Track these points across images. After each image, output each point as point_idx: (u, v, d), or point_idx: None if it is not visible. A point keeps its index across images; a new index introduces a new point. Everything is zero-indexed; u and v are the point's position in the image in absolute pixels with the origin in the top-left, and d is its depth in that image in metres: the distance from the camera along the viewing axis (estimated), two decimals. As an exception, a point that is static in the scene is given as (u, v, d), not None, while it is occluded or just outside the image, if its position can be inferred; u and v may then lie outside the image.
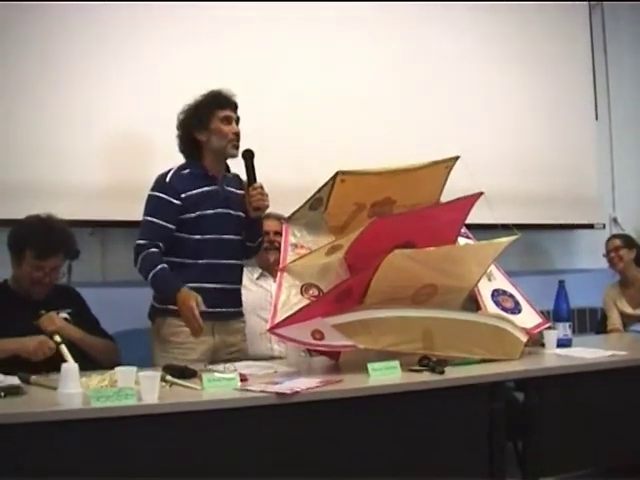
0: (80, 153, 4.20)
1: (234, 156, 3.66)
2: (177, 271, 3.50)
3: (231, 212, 3.66)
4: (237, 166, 3.73)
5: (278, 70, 4.70)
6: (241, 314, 3.78)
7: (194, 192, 3.56)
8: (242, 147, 3.65)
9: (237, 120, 3.68)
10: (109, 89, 4.25)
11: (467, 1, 5.31)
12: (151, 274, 3.43)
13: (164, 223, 3.51)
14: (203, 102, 3.65)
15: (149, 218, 3.53)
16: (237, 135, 3.63)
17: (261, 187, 3.63)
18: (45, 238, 3.38)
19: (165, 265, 3.45)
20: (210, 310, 3.41)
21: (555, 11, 5.72)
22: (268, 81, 4.62)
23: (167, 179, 3.56)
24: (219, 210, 3.62)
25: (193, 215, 3.55)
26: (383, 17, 5.05)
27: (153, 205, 3.55)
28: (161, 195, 3.54)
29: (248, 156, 3.65)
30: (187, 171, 3.61)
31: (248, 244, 3.77)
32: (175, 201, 3.52)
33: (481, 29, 5.42)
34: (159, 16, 4.40)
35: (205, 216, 3.57)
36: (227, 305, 3.63)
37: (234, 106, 3.67)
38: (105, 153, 4.27)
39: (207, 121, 3.61)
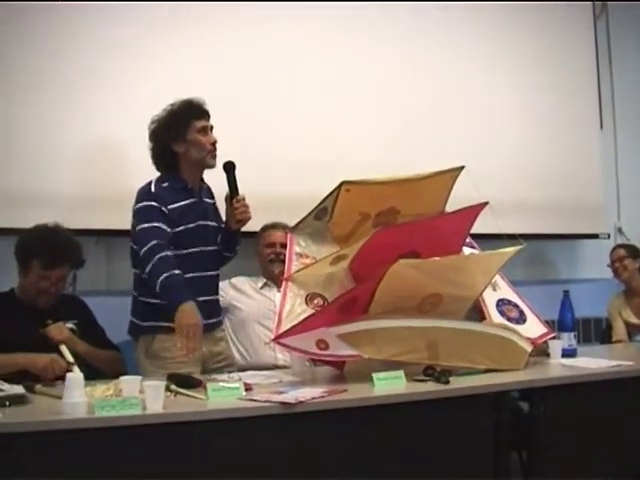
0: (85, 162, 4.21)
1: (212, 166, 3.60)
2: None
3: (209, 223, 3.63)
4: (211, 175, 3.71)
5: (280, 79, 4.70)
6: (221, 322, 3.78)
7: (176, 205, 3.51)
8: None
9: (211, 128, 3.63)
10: (117, 97, 4.26)
11: (469, 1, 5.32)
12: (165, 275, 3.30)
13: (165, 227, 3.44)
14: (178, 112, 3.59)
15: (148, 225, 3.44)
16: (214, 145, 3.58)
17: (243, 199, 3.58)
18: (52, 248, 3.38)
19: (180, 272, 3.37)
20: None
21: (560, 21, 5.73)
22: (269, 90, 4.62)
23: (152, 189, 3.50)
24: (200, 222, 3.58)
25: (177, 230, 3.49)
26: (384, 23, 5.05)
27: (147, 213, 3.47)
28: (152, 203, 3.47)
29: (230, 168, 3.59)
30: (167, 184, 3.54)
31: (225, 254, 3.73)
32: (165, 210, 3.47)
33: (485, 40, 5.42)
34: (143, 24, 4.38)
35: (188, 230, 3.52)
36: (211, 316, 3.58)
37: (208, 115, 3.62)
38: (111, 161, 4.28)
39: (184, 132, 3.55)
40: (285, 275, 3.37)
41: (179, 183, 3.57)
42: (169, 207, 3.48)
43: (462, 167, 3.53)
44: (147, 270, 3.36)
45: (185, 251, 3.51)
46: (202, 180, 3.69)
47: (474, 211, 3.39)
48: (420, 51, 5.20)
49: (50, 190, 4.11)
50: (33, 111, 4.11)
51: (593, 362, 3.53)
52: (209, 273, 3.61)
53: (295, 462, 2.70)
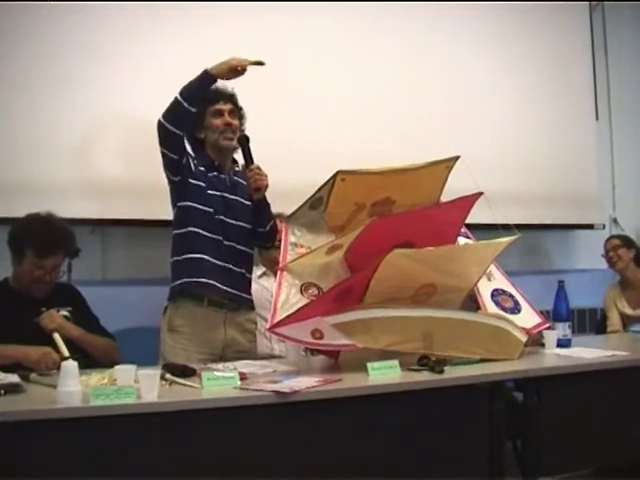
0: (81, 151, 4.20)
1: (228, 148, 3.68)
2: (200, 240, 3.55)
3: (238, 199, 3.69)
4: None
5: (278, 69, 4.68)
6: (251, 306, 3.78)
7: (202, 169, 3.62)
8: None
9: (236, 111, 3.71)
10: (109, 87, 4.25)
11: (468, 1, 5.32)
12: (177, 94, 3.45)
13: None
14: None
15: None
16: (229, 126, 3.65)
17: (258, 168, 3.63)
18: (45, 237, 3.38)
19: None
20: (221, 288, 3.52)
21: (556, 12, 5.73)
22: (268, 80, 4.59)
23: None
24: (226, 195, 3.65)
25: (202, 185, 3.58)
26: (384, 17, 5.06)
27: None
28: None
29: (243, 140, 3.67)
30: (197, 158, 3.65)
31: (259, 230, 3.76)
32: (191, 154, 3.60)
33: (482, 30, 5.42)
34: (155, 14, 4.41)
35: (212, 196, 3.60)
36: (238, 289, 3.64)
37: (226, 98, 3.69)
38: (105, 152, 4.28)
39: (202, 119, 3.65)
40: (280, 265, 3.37)
41: (207, 160, 3.68)
42: (196, 162, 3.61)
43: (457, 157, 3.53)
44: (163, 114, 3.48)
45: (218, 216, 3.59)
46: (235, 162, 3.78)
47: (469, 201, 3.39)
48: (418, 45, 5.21)
49: (45, 179, 4.11)
50: (27, 99, 4.11)
51: (588, 352, 3.53)
52: (234, 244, 3.64)
53: (290, 451, 2.70)
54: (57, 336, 3.20)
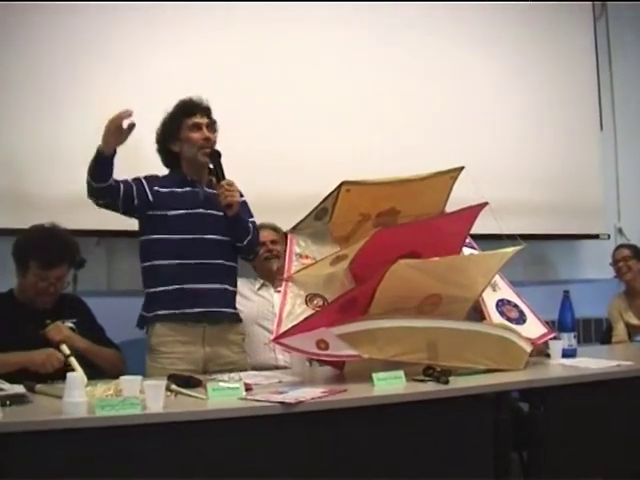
0: (86, 163, 4.20)
1: (206, 163, 3.66)
2: (162, 271, 3.55)
3: (214, 213, 3.64)
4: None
5: (280, 79, 4.71)
6: (235, 319, 3.74)
7: (166, 190, 3.60)
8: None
9: (212, 124, 3.68)
10: (116, 98, 4.23)
11: (471, 1, 5.33)
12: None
13: (130, 182, 3.57)
14: (172, 113, 3.69)
15: None
16: (207, 140, 3.62)
17: (228, 183, 3.59)
18: (49, 248, 3.38)
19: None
20: (196, 310, 3.50)
21: (560, 22, 5.74)
22: (269, 91, 4.63)
23: (145, 176, 3.63)
24: (200, 210, 3.62)
25: (170, 213, 3.56)
26: (386, 25, 5.07)
27: None
28: (137, 177, 3.61)
29: (215, 155, 3.63)
30: (164, 176, 3.67)
31: (237, 244, 3.71)
32: (146, 186, 3.58)
33: (485, 41, 5.43)
34: (156, 21, 4.42)
35: (184, 215, 3.58)
36: (214, 305, 3.60)
37: (204, 112, 3.67)
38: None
39: (177, 131, 3.64)
40: (285, 275, 3.38)
41: (179, 176, 3.66)
42: (154, 189, 3.58)
43: (462, 168, 3.53)
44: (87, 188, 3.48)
45: (183, 236, 3.56)
46: (210, 174, 3.72)
47: (474, 211, 3.40)
48: (420, 53, 5.20)
49: (50, 190, 4.11)
50: (32, 110, 4.11)
51: (593, 362, 3.53)
52: (211, 261, 3.60)
53: (295, 462, 2.70)
54: (65, 347, 3.21)
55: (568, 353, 3.68)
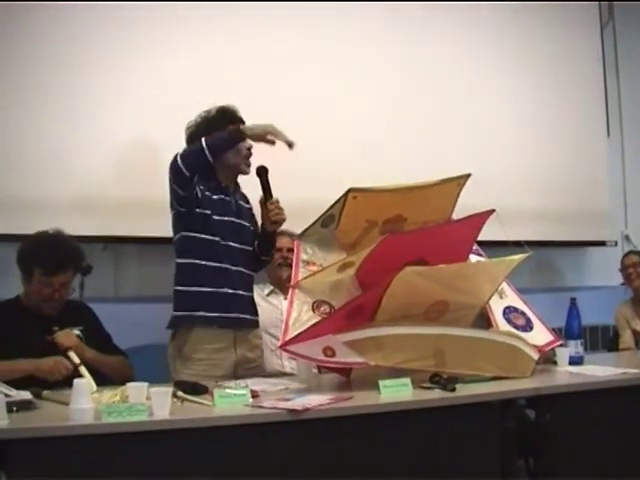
0: (93, 168, 4.22)
1: (246, 173, 3.72)
2: (202, 272, 3.56)
3: (243, 223, 3.72)
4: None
5: (288, 86, 4.72)
6: (257, 325, 3.79)
7: (207, 193, 3.61)
8: (254, 163, 3.68)
9: None
10: (124, 103, 4.27)
11: (476, 1, 5.34)
12: (202, 141, 3.44)
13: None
14: (214, 119, 3.70)
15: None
16: (250, 150, 3.68)
17: (277, 201, 3.67)
18: (53, 255, 3.38)
19: None
20: (230, 315, 3.54)
21: (566, 28, 5.74)
22: (275, 97, 4.63)
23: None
24: (232, 219, 3.67)
25: (208, 212, 3.58)
26: (397, 30, 5.08)
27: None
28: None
29: (263, 172, 3.69)
30: (201, 180, 3.63)
31: (262, 257, 3.81)
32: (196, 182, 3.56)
33: (493, 48, 5.43)
34: (167, 25, 4.43)
35: (219, 222, 3.61)
36: (245, 312, 3.67)
37: (243, 122, 3.71)
38: (118, 168, 4.29)
39: None
40: (292, 282, 3.38)
41: (213, 182, 3.67)
42: (201, 187, 3.58)
43: (469, 175, 3.53)
44: (181, 155, 3.47)
45: (217, 240, 3.59)
46: (237, 184, 3.79)
47: (481, 218, 3.39)
48: (428, 59, 5.20)
49: (57, 196, 4.12)
50: (39, 116, 4.12)
51: (600, 370, 3.52)
52: (239, 269, 3.66)
53: (302, 468, 2.70)
54: (73, 354, 3.22)
55: (575, 360, 3.67)
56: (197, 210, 3.57)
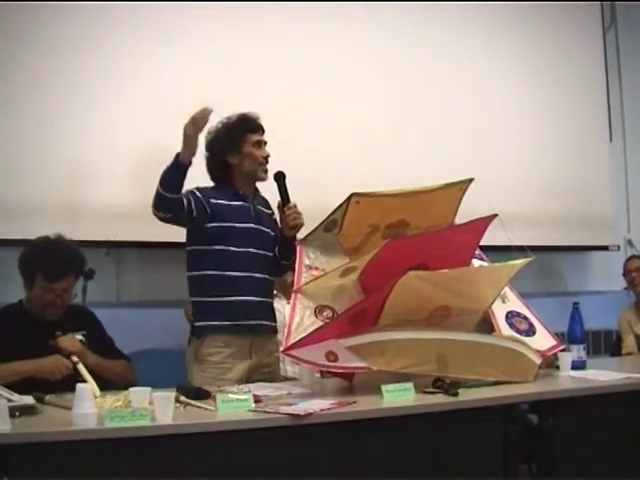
0: (96, 174, 4.23)
1: (263, 180, 3.74)
2: (215, 282, 3.58)
3: (262, 229, 3.73)
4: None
5: (289, 90, 4.72)
6: (275, 331, 3.80)
7: (223, 202, 3.62)
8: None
9: (265, 143, 3.76)
10: (128, 107, 4.28)
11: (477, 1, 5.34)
12: (158, 185, 3.43)
13: (191, 198, 3.53)
14: (235, 126, 3.72)
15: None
16: (267, 159, 3.71)
17: (295, 206, 3.69)
18: (54, 260, 3.38)
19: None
20: (249, 323, 3.55)
21: (569, 33, 5.75)
22: (280, 101, 4.64)
23: (196, 188, 3.60)
24: (251, 225, 3.69)
25: (225, 225, 3.60)
26: (401, 34, 5.09)
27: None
28: (192, 190, 3.57)
29: (280, 177, 3.72)
30: (218, 190, 3.67)
31: (283, 262, 3.81)
32: (203, 199, 3.56)
33: (495, 52, 5.44)
34: (171, 26, 4.47)
35: (238, 229, 3.63)
36: (263, 318, 3.69)
37: (263, 130, 3.75)
38: (122, 174, 4.30)
39: (239, 145, 3.68)
40: (294, 287, 3.38)
41: (231, 189, 3.69)
42: (211, 201, 3.59)
43: (471, 179, 3.53)
44: (152, 205, 3.47)
45: (235, 249, 3.61)
46: (256, 190, 3.81)
47: (483, 223, 3.39)
48: (429, 64, 5.22)
49: (60, 201, 4.13)
50: (42, 120, 4.14)
51: (603, 374, 3.51)
52: (259, 275, 3.68)
53: (305, 473, 2.69)
54: (76, 358, 3.21)
55: (577, 365, 3.67)
56: (208, 225, 3.59)
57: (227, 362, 3.56)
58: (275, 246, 3.78)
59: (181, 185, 3.45)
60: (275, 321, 3.81)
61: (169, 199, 3.42)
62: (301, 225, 3.70)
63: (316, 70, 4.85)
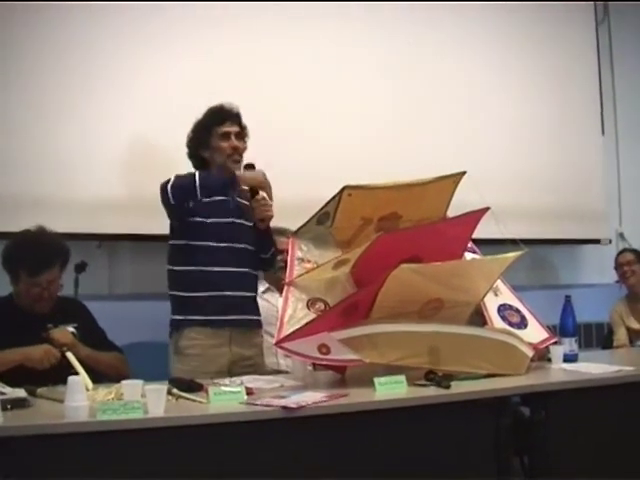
0: (89, 166, 4.22)
1: (234, 171, 3.68)
2: (195, 277, 3.57)
3: (244, 222, 3.71)
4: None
5: (283, 84, 4.72)
6: (259, 325, 3.80)
7: (209, 200, 3.60)
8: (246, 159, 3.68)
9: (241, 132, 3.73)
10: (119, 101, 4.26)
11: (472, 1, 5.34)
12: (197, 178, 3.49)
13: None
14: (203, 120, 3.73)
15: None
16: (236, 149, 3.68)
17: (263, 198, 3.63)
18: (36, 254, 3.36)
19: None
20: (228, 318, 3.55)
21: (561, 26, 5.74)
22: (274, 95, 4.64)
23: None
24: (231, 219, 3.67)
25: (205, 221, 3.60)
26: (389, 29, 5.08)
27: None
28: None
29: (250, 168, 3.67)
30: None
31: (261, 256, 3.80)
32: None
33: (486, 45, 5.44)
34: (168, 25, 4.45)
35: (217, 224, 3.62)
36: (244, 312, 3.67)
37: (234, 119, 3.72)
38: (113, 166, 4.29)
39: (208, 139, 3.69)
40: (287, 279, 3.37)
41: None
42: (204, 200, 3.59)
43: (464, 172, 3.53)
44: (172, 184, 3.51)
45: (215, 244, 3.61)
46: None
47: (476, 216, 3.40)
48: (423, 57, 5.21)
49: (52, 194, 4.12)
50: (33, 113, 4.12)
51: (594, 367, 3.52)
52: (240, 269, 3.66)
53: (296, 466, 2.69)
54: (68, 352, 3.21)
55: (569, 358, 3.67)
56: (190, 219, 3.59)
57: (206, 354, 3.56)
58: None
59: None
60: (259, 314, 3.80)
61: (193, 199, 3.51)
62: (269, 217, 3.66)
63: (310, 66, 4.84)
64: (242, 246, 3.68)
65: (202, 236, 3.60)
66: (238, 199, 3.73)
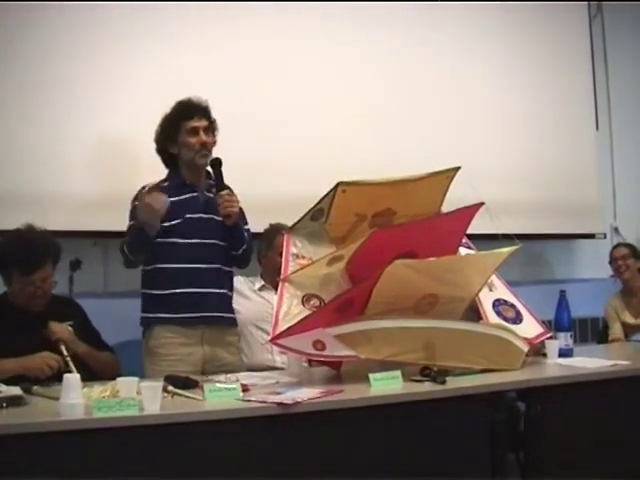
0: (83, 164, 4.21)
1: (204, 165, 3.67)
2: (162, 276, 3.57)
3: (214, 217, 3.66)
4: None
5: (276, 79, 4.71)
6: (233, 323, 3.77)
7: (172, 199, 3.57)
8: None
9: (210, 125, 3.69)
10: (111, 99, 4.26)
11: (466, 1, 5.34)
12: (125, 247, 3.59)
13: None
14: (170, 115, 3.69)
15: (131, 222, 3.62)
16: (204, 144, 3.63)
17: (228, 193, 3.61)
18: (27, 253, 3.33)
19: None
20: (198, 315, 3.52)
21: (555, 22, 5.74)
22: (268, 93, 4.63)
23: (144, 190, 3.58)
24: (200, 215, 3.64)
25: (175, 222, 3.57)
26: (384, 26, 5.07)
27: (134, 212, 3.61)
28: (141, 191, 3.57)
29: (216, 164, 3.65)
30: (166, 184, 3.66)
31: (232, 252, 3.73)
32: None
33: (481, 41, 5.43)
34: (149, 23, 4.43)
35: (187, 220, 3.60)
36: (214, 309, 3.63)
37: (202, 114, 3.67)
38: (108, 164, 4.28)
39: (175, 134, 3.65)
40: (282, 276, 3.37)
41: (179, 179, 3.67)
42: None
43: (458, 168, 3.53)
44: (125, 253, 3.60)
45: (183, 240, 3.59)
46: (208, 177, 3.73)
47: (470, 211, 3.40)
48: (416, 52, 5.20)
49: (47, 192, 4.11)
50: (28, 111, 4.11)
51: (590, 362, 3.53)
52: (209, 266, 3.62)
53: (292, 463, 2.70)
54: (62, 347, 3.20)
55: (564, 353, 3.68)
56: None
57: (178, 354, 3.54)
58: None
59: (147, 246, 3.57)
60: (232, 312, 3.77)
61: (139, 258, 3.60)
62: (235, 213, 3.61)
63: (305, 62, 4.83)
64: (211, 241, 3.64)
65: (168, 234, 3.57)
66: (206, 193, 3.70)
